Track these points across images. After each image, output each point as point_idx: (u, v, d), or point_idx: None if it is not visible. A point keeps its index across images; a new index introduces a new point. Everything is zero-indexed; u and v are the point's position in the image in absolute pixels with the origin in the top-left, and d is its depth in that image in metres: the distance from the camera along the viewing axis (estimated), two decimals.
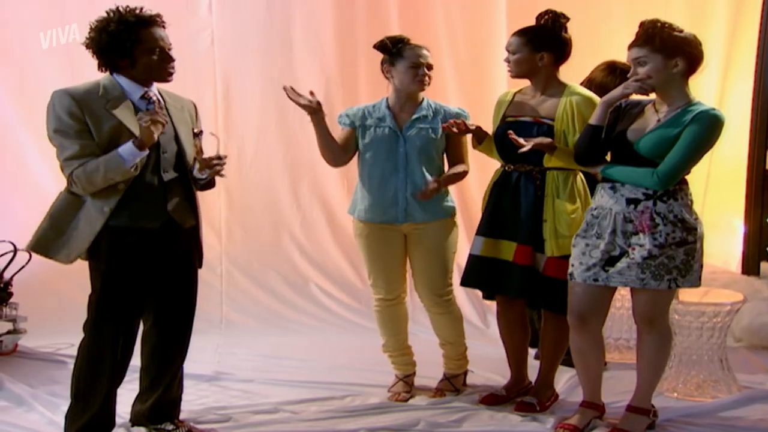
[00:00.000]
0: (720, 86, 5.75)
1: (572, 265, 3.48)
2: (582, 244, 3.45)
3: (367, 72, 5.80)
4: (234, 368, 4.43)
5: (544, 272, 3.65)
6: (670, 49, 3.32)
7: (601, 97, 4.11)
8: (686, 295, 4.27)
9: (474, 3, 5.87)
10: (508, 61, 3.76)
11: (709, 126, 3.28)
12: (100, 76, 3.28)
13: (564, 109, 3.64)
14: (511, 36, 3.79)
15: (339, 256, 5.73)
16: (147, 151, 3.10)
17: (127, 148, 3.07)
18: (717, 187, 5.74)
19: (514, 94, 3.85)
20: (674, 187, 3.33)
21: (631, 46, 3.40)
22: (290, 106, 5.72)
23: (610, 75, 4.32)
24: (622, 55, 5.45)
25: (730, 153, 5.68)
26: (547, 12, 3.75)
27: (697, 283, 3.39)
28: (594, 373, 3.65)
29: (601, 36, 5.60)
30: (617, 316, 4.64)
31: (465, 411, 3.77)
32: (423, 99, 3.96)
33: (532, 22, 5.57)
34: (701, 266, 3.40)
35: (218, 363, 4.52)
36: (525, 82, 3.88)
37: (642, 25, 3.43)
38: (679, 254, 3.30)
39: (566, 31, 3.77)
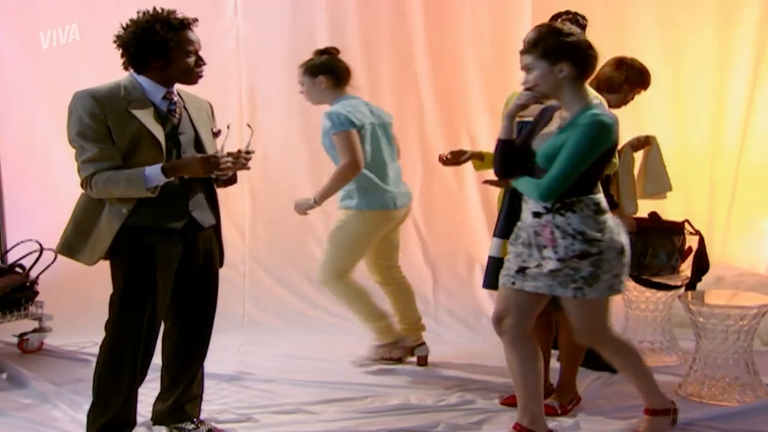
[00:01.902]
0: (749, 87, 5.67)
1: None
2: (512, 250, 3.38)
3: (391, 74, 5.83)
4: (256, 368, 4.44)
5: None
6: (553, 55, 3.15)
7: (606, 90, 4.21)
8: (712, 297, 4.24)
9: (500, 3, 5.85)
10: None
11: (588, 132, 3.10)
12: (122, 76, 3.29)
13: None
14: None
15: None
16: (171, 179, 3.10)
17: (153, 171, 3.07)
18: (744, 190, 5.68)
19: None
20: (572, 199, 3.17)
21: (520, 54, 3.26)
22: (314, 106, 5.82)
23: (617, 70, 4.32)
24: (649, 55, 5.52)
25: (758, 155, 5.62)
26: (566, 12, 3.69)
27: (605, 293, 3.21)
28: (522, 386, 3.39)
29: (627, 37, 5.57)
30: (641, 319, 4.60)
31: (485, 413, 3.75)
32: None
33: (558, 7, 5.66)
34: (616, 275, 3.20)
35: (240, 362, 4.54)
36: None
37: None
38: (584, 266, 3.16)
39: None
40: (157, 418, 3.53)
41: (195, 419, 3.50)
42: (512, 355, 3.37)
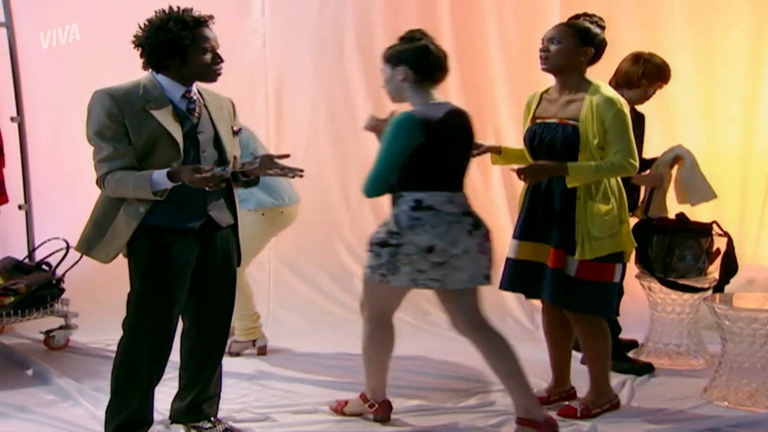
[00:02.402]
0: None
1: None
2: None
3: None
4: (277, 366, 4.44)
5: (577, 275, 3.56)
6: (394, 60, 3.46)
7: (625, 86, 4.26)
8: (740, 300, 4.17)
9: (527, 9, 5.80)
10: (546, 50, 3.62)
11: (392, 128, 3.31)
12: (141, 75, 3.30)
13: (587, 109, 3.53)
14: (554, 26, 3.68)
15: None
16: (178, 183, 3.07)
17: (159, 176, 3.06)
18: None
19: (541, 94, 3.79)
20: (396, 194, 3.40)
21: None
22: (341, 106, 5.85)
23: (634, 65, 4.33)
24: (681, 56, 5.45)
25: None
26: (584, 14, 3.69)
27: (406, 284, 3.37)
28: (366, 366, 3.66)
29: (658, 38, 5.50)
30: (667, 322, 4.52)
31: (504, 415, 3.70)
32: None
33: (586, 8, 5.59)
34: (421, 271, 3.31)
35: (261, 361, 4.53)
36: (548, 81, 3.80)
37: None
38: (383, 253, 3.34)
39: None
40: (175, 417, 3.54)
41: (212, 418, 3.50)
42: (364, 336, 3.63)
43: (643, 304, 4.68)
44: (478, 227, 3.41)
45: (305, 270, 5.65)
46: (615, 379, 4.14)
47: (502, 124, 5.79)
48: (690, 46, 5.58)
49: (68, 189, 5.41)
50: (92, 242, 3.25)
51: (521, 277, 3.75)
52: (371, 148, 5.70)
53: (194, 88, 3.31)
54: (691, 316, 4.50)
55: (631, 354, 4.57)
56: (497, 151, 3.95)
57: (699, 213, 5.02)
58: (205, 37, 3.21)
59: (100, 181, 3.17)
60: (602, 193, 3.56)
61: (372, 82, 5.77)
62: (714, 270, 4.50)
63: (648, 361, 4.41)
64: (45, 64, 5.21)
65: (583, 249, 3.53)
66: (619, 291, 4.42)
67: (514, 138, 5.70)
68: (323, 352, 4.75)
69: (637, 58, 4.36)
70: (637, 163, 3.56)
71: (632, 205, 4.19)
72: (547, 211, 3.65)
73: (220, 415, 3.59)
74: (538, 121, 3.71)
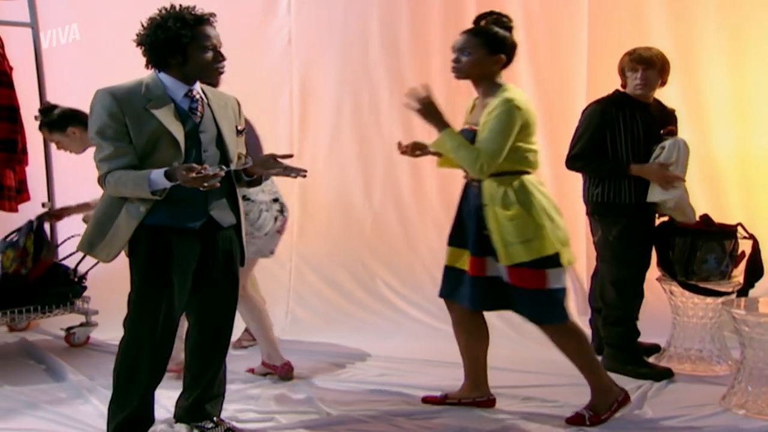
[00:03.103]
0: None
1: None
2: None
3: (442, 72, 5.70)
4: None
5: (510, 281, 3.49)
6: (492, 46, 3.54)
7: (623, 81, 4.37)
8: (764, 306, 4.04)
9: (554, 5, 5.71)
10: (457, 61, 3.58)
11: (510, 110, 3.43)
12: (146, 74, 3.29)
13: (485, 113, 3.52)
14: (461, 34, 3.60)
15: (409, 254, 5.67)
16: (175, 182, 3.04)
17: (157, 175, 3.04)
18: None
19: (475, 100, 3.78)
20: None
21: None
22: (365, 105, 5.82)
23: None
24: (712, 57, 5.32)
25: None
26: (491, 13, 3.63)
27: (261, 254, 4.23)
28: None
29: (690, 42, 5.40)
30: (689, 326, 4.40)
31: (510, 417, 3.66)
32: None
33: (615, 10, 5.48)
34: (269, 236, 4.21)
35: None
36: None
37: None
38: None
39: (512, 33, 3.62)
40: (178, 416, 3.54)
41: (215, 418, 3.49)
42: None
43: (666, 307, 4.56)
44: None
45: (327, 269, 5.63)
46: (631, 383, 4.08)
47: None
48: (722, 48, 5.45)
49: (91, 187, 5.44)
50: (94, 241, 3.26)
51: (447, 282, 3.75)
52: (395, 147, 5.72)
53: (197, 87, 3.29)
54: (714, 320, 4.37)
55: (652, 359, 4.47)
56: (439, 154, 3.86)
57: (730, 216, 4.91)
58: (206, 36, 3.19)
59: (101, 181, 3.18)
60: (501, 200, 3.47)
61: (396, 81, 5.77)
62: (739, 274, 4.37)
63: (667, 367, 4.30)
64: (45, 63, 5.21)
65: (501, 255, 3.47)
66: (638, 294, 4.34)
67: (538, 138, 5.54)
68: (339, 352, 4.72)
69: (627, 53, 4.39)
70: (488, 169, 3.43)
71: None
72: (468, 218, 3.65)
73: (224, 414, 3.58)
74: (465, 127, 3.68)
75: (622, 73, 4.40)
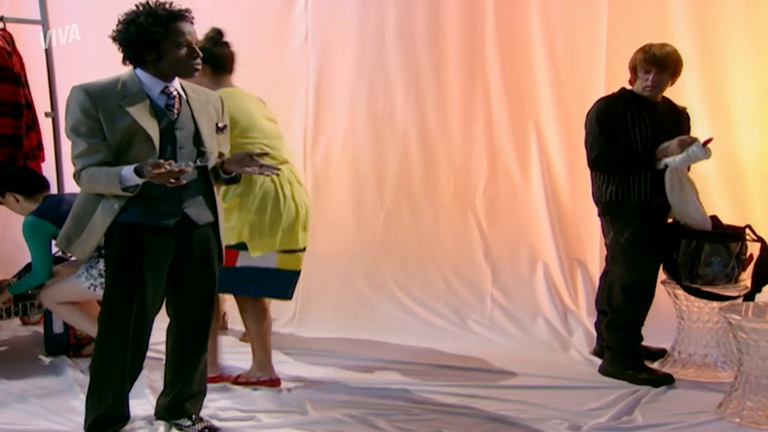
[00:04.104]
0: None
1: None
2: None
3: (459, 70, 5.67)
4: (286, 366, 4.38)
5: None
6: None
7: (633, 78, 4.27)
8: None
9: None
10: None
11: None
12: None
13: None
14: None
15: (421, 253, 5.60)
16: (146, 179, 3.03)
17: (128, 171, 3.04)
18: None
19: None
20: None
21: None
22: (380, 102, 5.78)
23: (633, 55, 4.25)
24: (735, 57, 5.14)
25: None
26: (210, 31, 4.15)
27: None
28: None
29: (713, 46, 5.24)
30: (694, 331, 4.26)
31: (492, 422, 3.59)
32: None
33: (635, 15, 5.33)
34: None
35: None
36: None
37: None
38: None
39: (222, 46, 4.13)
40: (158, 413, 3.55)
41: (193, 416, 3.48)
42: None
43: (670, 312, 4.43)
44: None
45: (337, 266, 5.58)
46: (626, 389, 3.99)
47: (543, 119, 5.58)
48: (745, 43, 5.24)
49: None
50: (72, 238, 3.28)
51: None
52: (409, 144, 5.68)
53: (176, 83, 3.28)
54: (720, 325, 4.22)
55: (656, 364, 4.35)
56: None
57: (750, 215, 4.76)
58: (180, 32, 3.18)
59: (76, 177, 3.19)
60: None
61: (412, 79, 5.71)
62: (747, 277, 4.22)
63: (668, 373, 4.18)
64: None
65: None
66: (647, 299, 4.22)
67: (555, 134, 5.54)
68: (342, 353, 4.67)
69: (638, 49, 4.24)
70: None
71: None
72: None
73: (206, 412, 3.59)
74: None
75: (633, 70, 4.27)
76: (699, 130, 5.15)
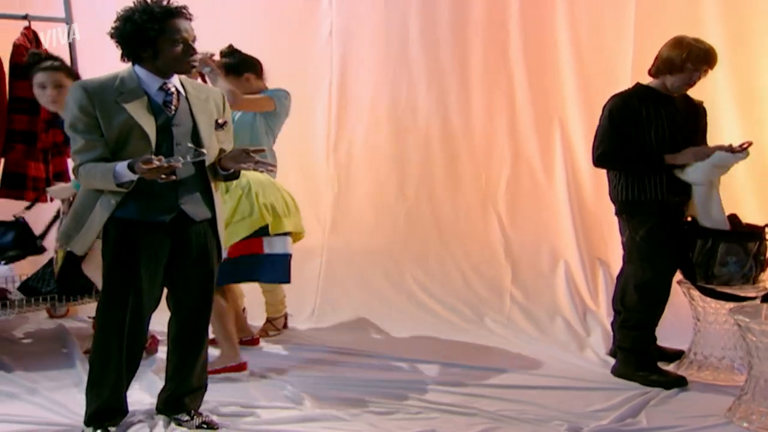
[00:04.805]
0: None
1: None
2: None
3: (482, 65, 5.63)
4: (296, 362, 4.39)
5: None
6: None
7: (668, 72, 4.06)
8: None
9: None
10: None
11: None
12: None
13: None
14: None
15: (441, 250, 5.58)
16: (139, 175, 3.06)
17: (122, 167, 3.07)
18: None
19: None
20: None
21: None
22: (402, 98, 5.77)
23: (676, 49, 4.05)
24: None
25: None
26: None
27: None
28: None
29: (743, 44, 5.12)
30: (711, 333, 4.15)
31: (489, 421, 3.55)
32: None
33: (664, 8, 5.21)
34: None
35: (281, 356, 4.50)
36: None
37: None
38: None
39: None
40: (158, 407, 3.57)
41: (192, 411, 3.50)
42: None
43: (687, 312, 4.33)
44: None
45: (357, 263, 5.58)
46: (636, 390, 3.92)
47: (568, 115, 5.51)
48: None
49: None
50: (71, 234, 3.32)
51: None
52: (431, 141, 5.65)
53: (174, 80, 3.30)
54: (736, 327, 4.11)
55: (672, 365, 4.26)
56: None
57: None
58: (176, 29, 3.19)
59: (75, 173, 3.24)
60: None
61: (435, 75, 5.68)
62: (766, 278, 4.11)
63: (681, 375, 4.08)
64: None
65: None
66: (662, 300, 4.13)
67: (580, 130, 5.46)
68: (349, 348, 4.64)
69: (679, 43, 4.07)
70: None
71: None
72: None
73: (207, 406, 3.61)
74: None
75: (675, 65, 4.02)
76: (728, 125, 5.06)
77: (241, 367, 4.15)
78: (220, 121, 3.40)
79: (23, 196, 4.90)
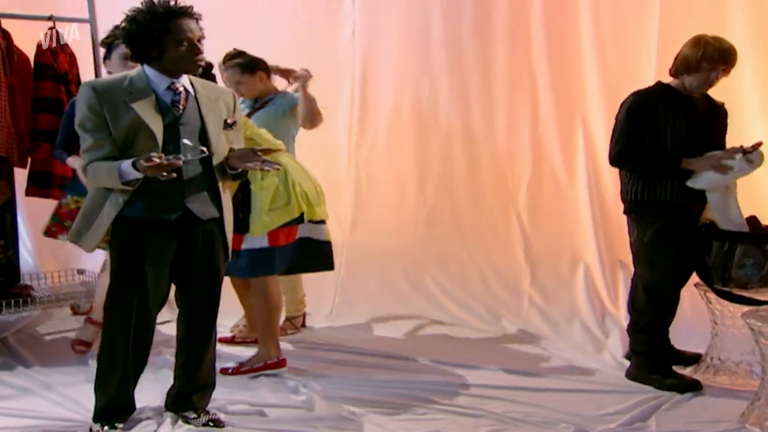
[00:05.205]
0: None
1: None
2: None
3: (505, 65, 5.60)
4: (311, 361, 4.39)
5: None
6: None
7: (685, 71, 3.99)
8: None
9: None
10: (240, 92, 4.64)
11: None
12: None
13: None
14: (230, 70, 4.69)
15: (461, 251, 5.55)
16: (144, 174, 3.09)
17: (127, 165, 3.10)
18: None
19: None
20: None
21: None
22: (424, 98, 5.76)
23: (693, 48, 3.99)
24: None
25: None
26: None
27: None
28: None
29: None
30: (728, 336, 4.08)
31: (493, 422, 3.54)
32: None
33: (689, 7, 5.13)
34: None
35: (297, 356, 4.47)
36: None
37: None
38: None
39: None
40: (167, 404, 3.60)
41: (199, 409, 3.52)
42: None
43: (705, 316, 4.26)
44: None
45: (377, 263, 5.58)
46: (649, 394, 3.88)
47: (591, 115, 5.45)
48: None
49: None
50: (81, 231, 3.35)
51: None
52: (453, 141, 5.63)
53: (183, 79, 3.32)
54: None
55: (689, 369, 4.19)
56: None
57: None
58: (180, 29, 3.21)
59: (83, 171, 3.28)
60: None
61: (457, 74, 5.67)
62: None
63: (695, 379, 4.02)
64: None
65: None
66: (670, 301, 4.08)
67: (603, 130, 5.38)
68: (365, 349, 4.63)
69: (697, 42, 4.01)
70: None
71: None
72: None
73: (215, 404, 3.64)
74: None
75: (692, 64, 3.98)
76: (753, 126, 4.97)
77: (280, 363, 4.16)
78: (229, 120, 3.42)
79: (49, 195, 4.99)
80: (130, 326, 3.31)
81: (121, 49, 4.08)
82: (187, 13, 3.26)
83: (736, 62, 4.00)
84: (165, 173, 3.05)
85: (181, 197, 3.28)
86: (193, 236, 3.35)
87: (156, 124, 3.21)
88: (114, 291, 3.32)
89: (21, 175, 4.99)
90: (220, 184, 3.40)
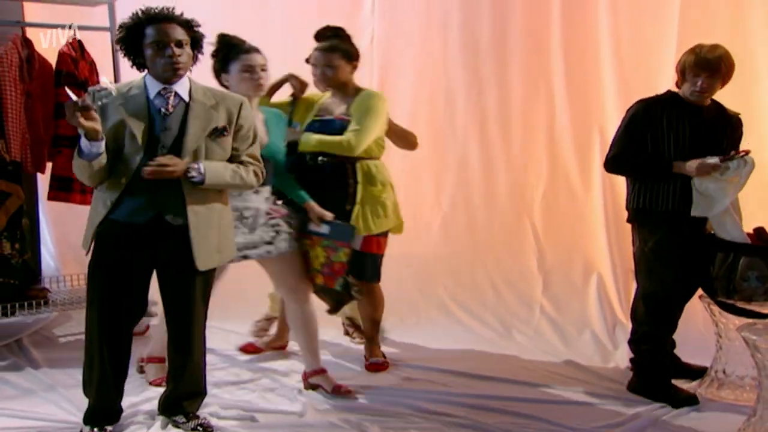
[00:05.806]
0: None
1: None
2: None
3: (521, 74, 5.57)
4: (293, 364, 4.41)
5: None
6: None
7: (680, 80, 4.00)
8: None
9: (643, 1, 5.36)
10: (323, 74, 4.30)
11: None
12: None
13: (355, 105, 4.26)
14: (320, 52, 4.34)
15: (474, 260, 5.53)
16: (101, 141, 3.13)
17: (82, 140, 3.15)
18: None
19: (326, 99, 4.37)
20: None
21: None
22: (440, 106, 5.76)
23: (684, 55, 4.01)
24: None
25: None
26: (328, 28, 4.44)
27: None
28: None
29: None
30: (733, 349, 3.99)
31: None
32: None
33: (708, 16, 5.04)
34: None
35: (279, 360, 4.51)
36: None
37: None
38: None
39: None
40: (159, 408, 3.64)
41: (189, 414, 3.55)
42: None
43: (710, 330, 4.19)
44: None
45: (389, 270, 5.49)
46: (648, 406, 3.82)
47: (608, 124, 5.37)
48: None
49: None
50: (86, 233, 3.41)
51: None
52: (468, 148, 5.61)
53: (179, 85, 3.33)
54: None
55: (694, 383, 4.12)
56: None
57: None
58: (154, 34, 3.25)
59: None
60: (380, 180, 4.37)
61: (473, 84, 5.65)
62: None
63: (692, 393, 3.95)
64: None
65: (367, 225, 4.26)
66: (670, 313, 4.02)
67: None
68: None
69: (691, 49, 3.98)
70: (357, 146, 4.14)
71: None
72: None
73: (209, 409, 3.67)
74: (317, 118, 4.29)
75: (681, 73, 4.01)
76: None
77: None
78: (219, 126, 3.38)
79: (70, 199, 5.09)
80: (104, 328, 3.34)
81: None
82: (165, 17, 3.28)
83: (726, 70, 3.91)
84: (79, 114, 3.05)
85: (154, 201, 3.29)
86: (166, 243, 3.35)
87: (138, 128, 3.25)
88: (89, 295, 3.37)
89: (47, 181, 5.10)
90: (187, 192, 3.31)
